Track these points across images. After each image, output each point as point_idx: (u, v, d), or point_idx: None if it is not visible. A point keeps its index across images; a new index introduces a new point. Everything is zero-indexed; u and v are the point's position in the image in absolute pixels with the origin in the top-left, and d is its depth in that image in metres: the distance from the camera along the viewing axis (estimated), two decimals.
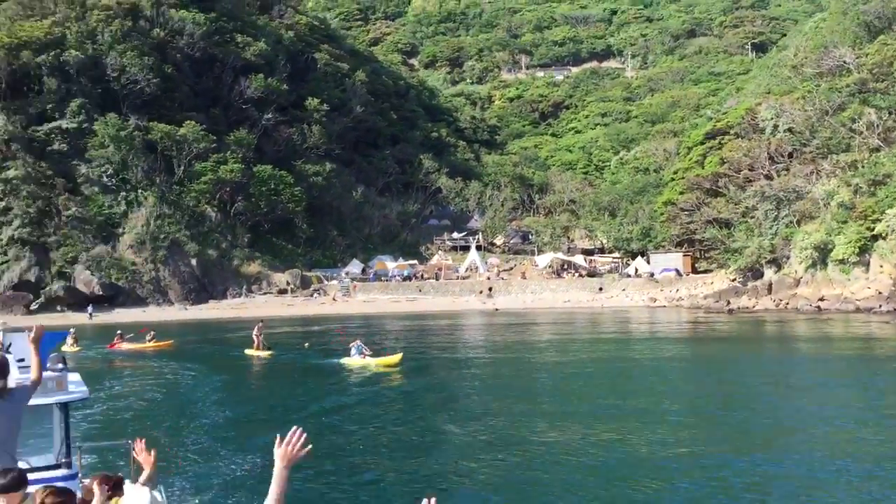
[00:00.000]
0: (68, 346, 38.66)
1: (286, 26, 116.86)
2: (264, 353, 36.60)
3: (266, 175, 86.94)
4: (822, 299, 56.28)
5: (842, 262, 58.11)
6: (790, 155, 67.03)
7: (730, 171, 69.11)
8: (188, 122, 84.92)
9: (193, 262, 80.00)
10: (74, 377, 8.75)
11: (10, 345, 8.11)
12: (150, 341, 41.39)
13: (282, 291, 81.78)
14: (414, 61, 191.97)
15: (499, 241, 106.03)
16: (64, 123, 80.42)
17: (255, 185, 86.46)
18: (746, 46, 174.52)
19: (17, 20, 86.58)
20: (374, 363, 30.97)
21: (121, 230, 78.40)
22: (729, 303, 61.77)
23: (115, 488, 6.10)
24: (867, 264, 57.34)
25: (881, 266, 55.90)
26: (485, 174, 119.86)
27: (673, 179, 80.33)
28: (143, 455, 6.24)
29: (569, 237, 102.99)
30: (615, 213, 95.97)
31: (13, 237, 72.82)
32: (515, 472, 15.09)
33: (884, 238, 54.42)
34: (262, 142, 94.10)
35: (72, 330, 40.18)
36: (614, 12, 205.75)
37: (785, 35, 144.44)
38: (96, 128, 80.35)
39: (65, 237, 74.85)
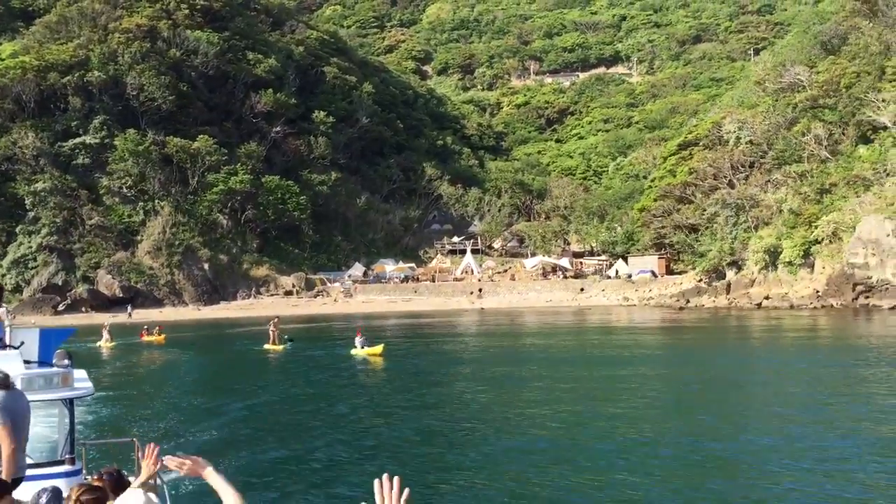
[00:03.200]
0: (104, 342, 45.72)
1: (297, 41, 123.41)
2: (279, 347, 41.89)
3: (273, 185, 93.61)
4: (767, 297, 61.64)
5: (790, 263, 63.33)
6: (751, 165, 72.26)
7: (697, 180, 74.49)
8: (202, 136, 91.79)
9: (206, 266, 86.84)
10: (80, 374, 8.69)
11: (21, 343, 8.11)
12: (159, 335, 48.66)
13: (288, 293, 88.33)
14: (427, 68, 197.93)
15: (497, 244, 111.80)
16: (87, 139, 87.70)
17: (264, 194, 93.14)
18: (749, 52, 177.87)
19: (45, 43, 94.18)
20: (364, 352, 37.02)
21: (139, 237, 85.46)
22: (688, 301, 67.25)
23: (118, 484, 5.78)
24: (812, 266, 62.53)
25: (823, 267, 61.09)
26: (487, 180, 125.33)
27: (650, 187, 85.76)
28: (146, 459, 5.59)
29: (565, 240, 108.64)
30: (604, 217, 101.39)
31: (42, 244, 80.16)
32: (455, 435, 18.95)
33: (819, 242, 59.60)
34: (271, 153, 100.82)
35: (106, 325, 47.90)
36: (623, 18, 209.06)
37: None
38: (117, 143, 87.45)
39: (88, 244, 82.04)
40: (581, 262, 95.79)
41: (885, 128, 61.00)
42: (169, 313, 77.00)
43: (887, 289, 54.68)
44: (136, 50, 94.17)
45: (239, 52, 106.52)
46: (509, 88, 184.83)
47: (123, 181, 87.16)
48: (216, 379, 32.80)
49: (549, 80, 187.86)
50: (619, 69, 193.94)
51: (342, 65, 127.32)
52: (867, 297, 55.08)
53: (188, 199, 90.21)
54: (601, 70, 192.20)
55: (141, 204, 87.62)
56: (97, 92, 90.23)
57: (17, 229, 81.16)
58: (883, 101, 60.40)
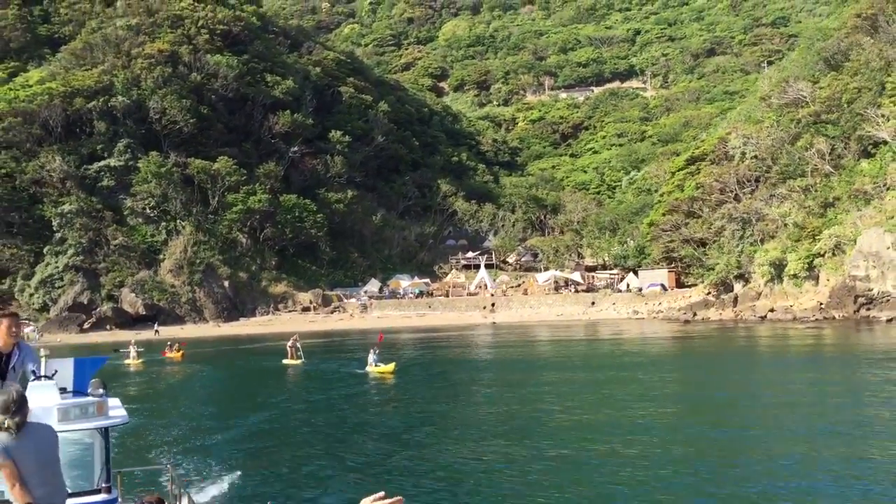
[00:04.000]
0: (132, 360, 47.81)
1: (314, 62, 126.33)
2: (297, 362, 43.48)
3: (291, 204, 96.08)
4: (772, 310, 62.86)
5: (794, 276, 64.53)
6: (757, 179, 73.61)
7: (704, 195, 75.91)
8: (221, 157, 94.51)
9: (226, 283, 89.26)
10: (114, 402, 8.85)
11: (55, 372, 8.11)
12: (178, 351, 50.65)
13: (305, 309, 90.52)
14: (444, 84, 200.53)
15: (511, 259, 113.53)
16: (112, 162, 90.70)
17: (282, 213, 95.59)
18: (763, 64, 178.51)
19: (71, 69, 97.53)
20: (377, 370, 37.42)
21: (161, 256, 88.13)
22: (695, 314, 68.58)
23: None
24: (816, 278, 63.71)
25: (827, 280, 62.26)
26: (502, 196, 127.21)
27: (659, 202, 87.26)
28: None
29: (579, 254, 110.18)
30: (616, 231, 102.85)
31: (68, 264, 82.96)
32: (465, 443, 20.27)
33: (822, 255, 60.83)
34: (289, 172, 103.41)
35: (133, 342, 50.08)
36: (638, 32, 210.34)
37: None
38: (140, 165, 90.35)
39: (113, 263, 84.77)
40: (593, 276, 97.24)
41: (885, 142, 62.20)
42: (190, 330, 79.33)
43: (888, 300, 55.76)
44: (158, 75, 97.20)
45: (257, 74, 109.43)
46: (524, 104, 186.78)
47: (146, 202, 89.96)
48: (237, 395, 34.08)
49: (563, 95, 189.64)
50: (634, 83, 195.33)
51: (358, 84, 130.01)
52: (868, 309, 56.21)
53: (209, 218, 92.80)
54: (615, 84, 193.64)
55: (163, 224, 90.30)
56: (121, 116, 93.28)
57: (45, 250, 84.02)
58: (882, 116, 61.69)
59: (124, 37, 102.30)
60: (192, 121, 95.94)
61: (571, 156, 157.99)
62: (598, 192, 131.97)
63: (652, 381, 30.65)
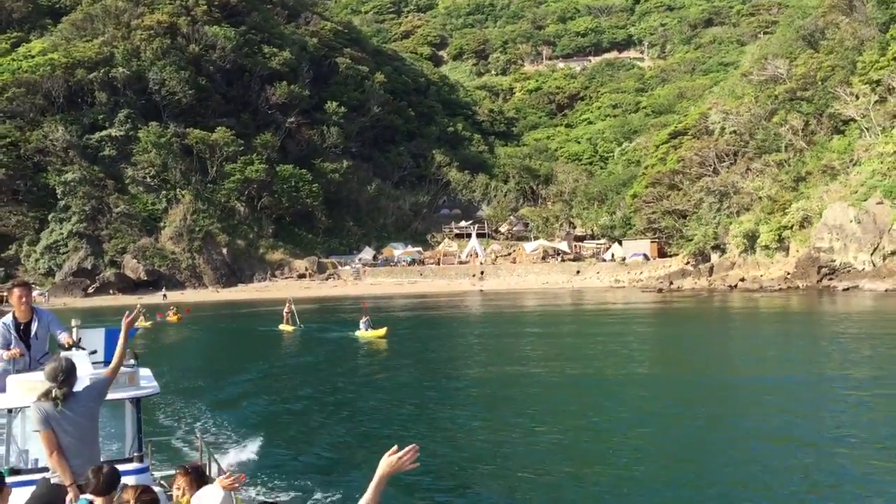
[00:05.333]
0: (140, 322, 50.51)
1: (311, 33, 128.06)
2: (292, 328, 44.73)
3: (287, 174, 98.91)
4: (742, 280, 65.95)
5: (766, 247, 67.51)
6: (735, 154, 76.26)
7: (684, 169, 78.61)
8: (220, 127, 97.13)
9: (224, 250, 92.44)
10: (146, 372, 8.90)
11: (79, 339, 8.21)
12: (176, 315, 53.90)
13: (301, 276, 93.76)
14: (443, 53, 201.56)
15: (503, 228, 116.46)
16: (113, 132, 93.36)
17: (279, 182, 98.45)
18: (759, 35, 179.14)
19: (72, 40, 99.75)
20: (369, 334, 38.58)
21: (162, 224, 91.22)
22: (671, 283, 71.68)
23: (200, 478, 6.13)
24: (787, 249, 66.68)
25: (797, 251, 65.24)
26: (496, 166, 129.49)
27: (643, 174, 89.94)
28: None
29: (571, 223, 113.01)
30: (604, 202, 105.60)
31: (72, 231, 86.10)
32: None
33: (790, 228, 63.76)
34: (285, 142, 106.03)
35: (139, 306, 52.80)
36: (637, 1, 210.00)
37: None
38: (140, 135, 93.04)
39: (115, 231, 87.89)
40: (581, 246, 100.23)
41: (854, 120, 64.73)
42: (190, 295, 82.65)
43: (849, 271, 58.77)
44: (157, 46, 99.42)
45: (255, 45, 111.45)
46: (522, 74, 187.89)
47: (147, 171, 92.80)
48: (237, 359, 34.70)
49: (561, 65, 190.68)
50: (632, 53, 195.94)
51: (355, 55, 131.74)
52: (830, 279, 59.23)
53: (207, 187, 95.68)
54: (613, 55, 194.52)
55: (163, 192, 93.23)
56: (121, 87, 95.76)
57: (50, 217, 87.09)
58: (852, 94, 64.14)
59: (124, 8, 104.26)
60: (190, 92, 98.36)
61: (567, 126, 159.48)
62: (591, 163, 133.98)
63: (593, 341, 33.75)
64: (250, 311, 63.41)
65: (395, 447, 3.90)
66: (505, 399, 21.53)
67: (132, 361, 8.44)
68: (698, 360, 28.31)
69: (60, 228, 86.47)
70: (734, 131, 75.58)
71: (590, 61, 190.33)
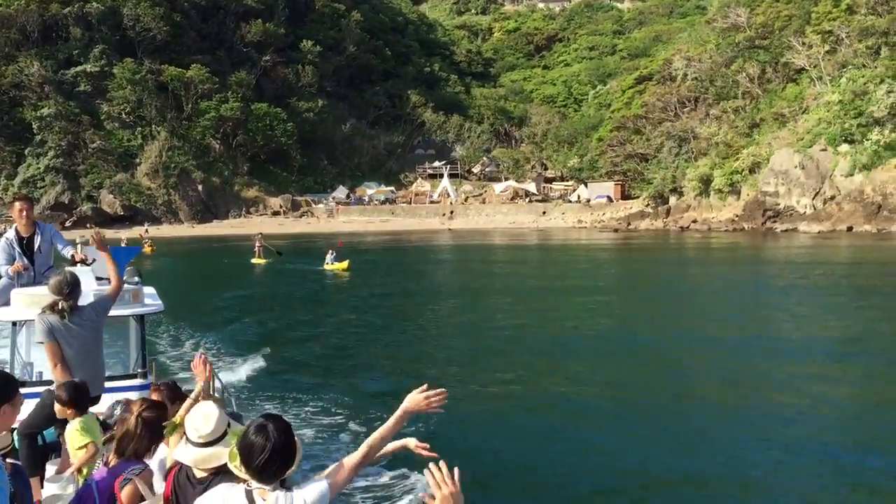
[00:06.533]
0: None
1: None
2: (262, 260, 47.38)
3: (262, 112, 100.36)
4: (694, 221, 69.27)
5: (720, 191, 70.60)
6: (696, 100, 78.75)
7: (648, 114, 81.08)
8: (195, 65, 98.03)
9: (200, 187, 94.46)
10: (150, 290, 8.88)
11: (94, 260, 8.18)
12: (150, 247, 56.26)
13: (275, 213, 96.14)
14: None
15: (476, 169, 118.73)
16: (88, 67, 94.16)
17: (253, 121, 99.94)
18: None
19: None
20: (334, 267, 41.43)
21: (138, 160, 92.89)
22: (629, 224, 74.91)
23: (175, 395, 5.73)
24: (739, 193, 69.82)
25: (747, 195, 68.39)
26: (472, 107, 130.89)
27: (609, 118, 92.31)
28: (199, 369, 5.38)
29: (544, 165, 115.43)
30: (574, 144, 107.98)
31: (49, 166, 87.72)
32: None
33: (740, 173, 66.80)
34: (261, 81, 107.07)
35: (124, 239, 55.24)
36: None
37: None
38: (115, 71, 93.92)
39: (91, 166, 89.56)
40: (550, 187, 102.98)
41: (805, 69, 67.28)
42: (166, 230, 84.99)
43: (791, 214, 62.06)
44: None
45: None
46: (501, 14, 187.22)
47: (122, 107, 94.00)
48: (214, 287, 36.50)
49: (541, 5, 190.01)
50: None
51: None
52: (774, 222, 62.56)
53: (183, 124, 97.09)
54: None
55: (139, 129, 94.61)
56: (96, 22, 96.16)
57: (26, 151, 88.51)
58: (804, 44, 66.53)
59: None
60: (165, 28, 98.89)
61: (544, 68, 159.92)
62: (565, 106, 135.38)
63: (524, 271, 36.95)
64: (223, 246, 66.01)
65: (424, 385, 3.82)
66: (423, 311, 24.62)
67: (136, 279, 8.55)
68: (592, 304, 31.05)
69: (37, 163, 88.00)
70: (696, 78, 77.93)
71: (569, 2, 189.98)
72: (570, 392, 14.91)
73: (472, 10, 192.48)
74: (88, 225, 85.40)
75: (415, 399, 3.75)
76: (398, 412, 3.76)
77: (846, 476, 10.29)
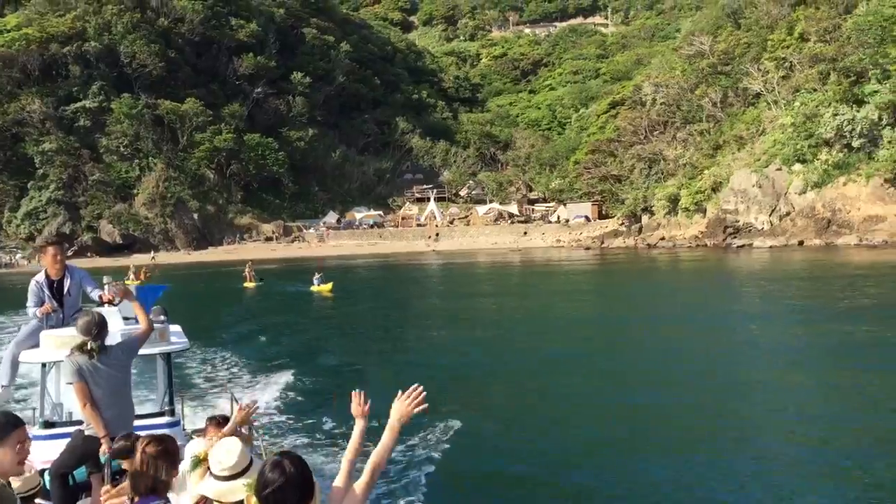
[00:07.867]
0: (131, 281, 55.25)
1: (278, 4, 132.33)
2: (253, 284, 50.99)
3: (254, 143, 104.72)
4: (662, 238, 73.21)
5: (686, 209, 74.60)
6: (665, 124, 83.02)
7: (620, 137, 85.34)
8: (189, 98, 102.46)
9: (195, 215, 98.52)
10: (176, 328, 9.00)
11: (121, 300, 8.18)
12: (146, 276, 59.89)
13: (268, 239, 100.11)
14: (413, 18, 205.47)
15: (463, 192, 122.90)
16: (87, 103, 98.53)
17: (246, 151, 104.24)
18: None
19: (45, 14, 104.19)
20: (319, 289, 44.40)
21: (136, 191, 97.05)
22: (602, 242, 78.83)
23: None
24: (704, 211, 73.80)
25: (712, 212, 72.38)
26: (459, 132, 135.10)
27: (585, 142, 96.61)
28: (241, 414, 5.65)
29: (529, 187, 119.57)
30: (555, 167, 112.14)
31: (50, 198, 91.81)
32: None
33: (703, 192, 70.87)
34: (253, 112, 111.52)
35: (132, 267, 58.66)
36: None
37: None
38: (113, 106, 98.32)
39: (91, 197, 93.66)
40: (532, 209, 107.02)
41: (761, 94, 71.57)
42: (163, 257, 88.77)
43: (749, 231, 66.00)
44: (127, 20, 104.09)
45: (222, 17, 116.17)
46: (488, 40, 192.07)
47: (120, 141, 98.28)
48: (212, 308, 39.69)
49: (527, 30, 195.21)
50: (597, 19, 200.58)
51: (322, 24, 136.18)
52: (733, 238, 66.47)
53: (178, 156, 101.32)
54: (579, 20, 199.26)
55: (136, 161, 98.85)
56: (94, 60, 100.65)
57: (29, 185, 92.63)
58: (760, 70, 70.83)
59: None
60: (160, 64, 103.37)
61: (530, 92, 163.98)
62: (549, 129, 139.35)
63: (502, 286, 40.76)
64: (216, 272, 69.75)
65: (399, 392, 3.82)
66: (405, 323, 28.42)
67: (162, 318, 8.54)
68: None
69: (39, 196, 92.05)
70: (664, 102, 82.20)
71: (555, 27, 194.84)
72: (554, 405, 15.47)
73: (461, 37, 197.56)
74: (89, 254, 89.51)
75: (400, 408, 3.82)
76: (390, 427, 3.83)
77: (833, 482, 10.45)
